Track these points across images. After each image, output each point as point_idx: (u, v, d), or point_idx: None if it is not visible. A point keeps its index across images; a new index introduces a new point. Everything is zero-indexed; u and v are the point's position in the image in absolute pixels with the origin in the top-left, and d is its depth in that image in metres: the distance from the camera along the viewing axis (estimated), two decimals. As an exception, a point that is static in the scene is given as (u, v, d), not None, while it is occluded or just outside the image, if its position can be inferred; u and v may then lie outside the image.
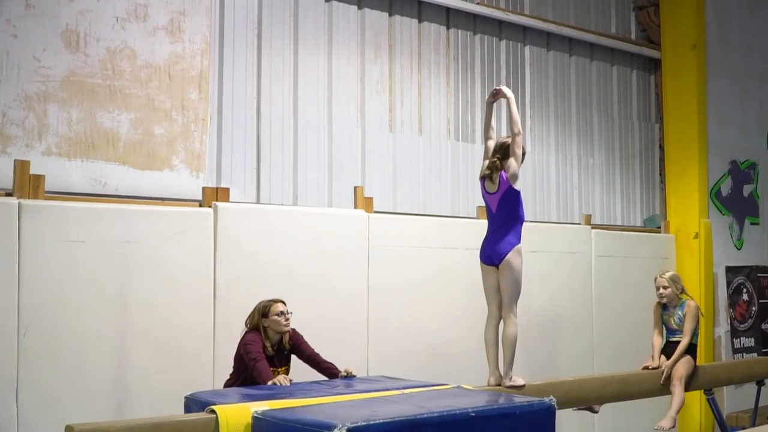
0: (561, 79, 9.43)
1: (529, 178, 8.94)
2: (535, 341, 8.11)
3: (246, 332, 5.57)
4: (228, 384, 5.59)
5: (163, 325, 5.96)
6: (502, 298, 5.77)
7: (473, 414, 4.34)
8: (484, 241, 5.85)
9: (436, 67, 8.34)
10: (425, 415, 4.21)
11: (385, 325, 7.05)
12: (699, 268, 9.71)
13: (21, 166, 5.59)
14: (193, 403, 4.85)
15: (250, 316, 5.62)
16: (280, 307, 5.58)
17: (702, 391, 7.61)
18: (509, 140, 5.80)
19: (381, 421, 4.02)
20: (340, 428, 3.82)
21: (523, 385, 5.75)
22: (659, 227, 10.00)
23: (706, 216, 9.98)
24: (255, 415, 4.30)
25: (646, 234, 9.82)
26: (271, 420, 4.22)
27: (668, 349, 7.03)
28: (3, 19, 5.78)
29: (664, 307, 7.11)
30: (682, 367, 6.92)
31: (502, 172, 5.71)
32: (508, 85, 8.82)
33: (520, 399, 4.78)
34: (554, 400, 4.71)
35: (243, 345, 5.48)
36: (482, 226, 7.92)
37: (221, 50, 6.94)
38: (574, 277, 8.67)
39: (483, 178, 5.86)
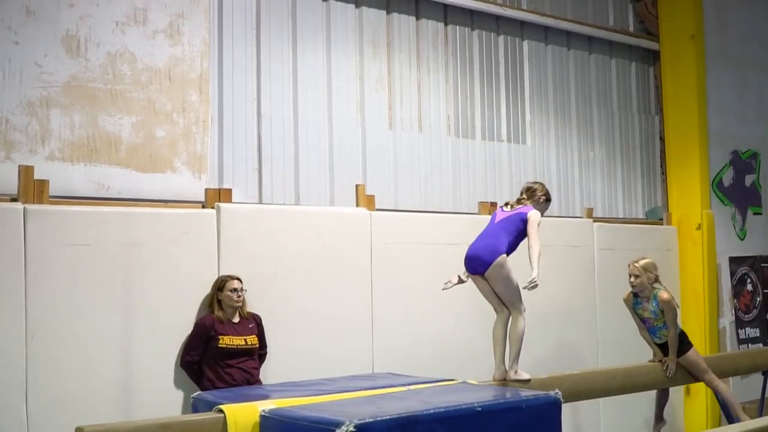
0: (560, 73, 9.44)
1: (530, 173, 8.95)
2: (539, 335, 8.11)
3: (202, 317, 6.04)
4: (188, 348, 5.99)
5: (169, 326, 5.99)
6: (503, 301, 5.78)
7: (479, 408, 4.37)
8: (468, 249, 5.80)
9: (435, 63, 8.36)
10: (432, 411, 4.24)
11: (389, 323, 7.08)
12: (702, 260, 9.70)
13: (25, 172, 5.62)
14: (201, 403, 4.89)
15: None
16: (234, 284, 6.05)
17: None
18: (535, 186, 6.00)
19: (388, 417, 4.06)
20: (347, 425, 3.85)
21: (529, 380, 5.76)
22: (661, 219, 10.01)
23: (709, 207, 9.97)
24: (263, 413, 4.34)
25: (648, 226, 9.83)
26: (279, 418, 4.26)
27: (663, 351, 7.02)
28: (4, 26, 5.81)
29: (635, 298, 6.96)
30: (701, 366, 6.94)
31: (527, 208, 5.81)
32: (506, 80, 8.89)
33: (525, 393, 4.81)
34: (560, 393, 4.75)
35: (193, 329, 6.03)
36: (484, 221, 7.97)
37: (220, 52, 6.96)
38: (577, 270, 8.68)
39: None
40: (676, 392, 8.97)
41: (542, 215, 5.87)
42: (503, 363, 5.81)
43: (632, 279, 6.83)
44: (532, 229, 5.68)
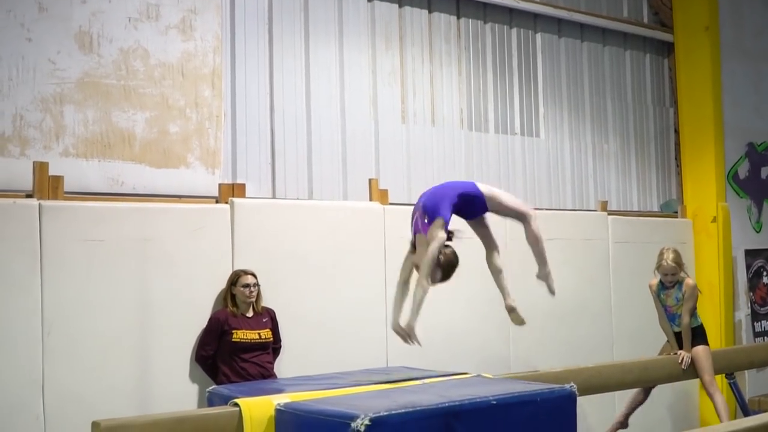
0: (573, 65, 9.40)
1: (543, 166, 8.94)
2: (554, 329, 8.11)
3: (216, 312, 6.07)
4: (202, 343, 6.01)
5: (183, 320, 6.01)
6: (515, 214, 5.62)
7: (494, 402, 4.36)
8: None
9: (448, 57, 8.34)
10: (446, 404, 4.24)
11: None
12: (717, 252, 9.66)
13: (40, 168, 5.64)
14: (216, 397, 4.90)
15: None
16: (247, 279, 6.05)
17: (723, 375, 7.61)
18: None
19: (403, 410, 4.05)
20: (362, 418, 3.85)
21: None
22: (676, 212, 9.96)
23: (724, 199, 9.93)
24: (278, 407, 4.34)
25: (663, 219, 9.79)
26: (294, 412, 4.26)
27: (678, 340, 7.00)
28: (17, 23, 5.82)
29: (661, 286, 7.04)
30: (705, 364, 6.89)
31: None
32: (520, 73, 8.86)
33: (541, 386, 4.79)
34: (575, 386, 4.73)
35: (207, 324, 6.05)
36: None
37: (233, 47, 6.96)
38: (591, 264, 8.66)
39: None
40: (692, 385, 8.94)
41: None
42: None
43: (669, 277, 6.91)
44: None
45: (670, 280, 6.93)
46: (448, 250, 5.22)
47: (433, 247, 5.07)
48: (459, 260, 5.27)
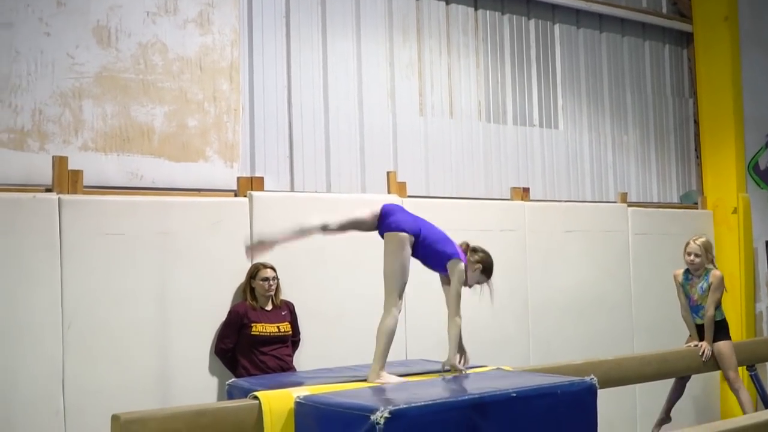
0: (592, 56, 9.35)
1: (562, 158, 8.91)
2: (574, 321, 8.09)
3: (235, 305, 6.09)
4: (221, 336, 6.03)
5: (203, 314, 6.02)
6: (384, 282, 4.90)
7: (514, 395, 4.35)
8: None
9: (465, 48, 8.31)
10: (466, 397, 4.23)
11: (422, 310, 7.05)
12: (738, 244, 9.61)
13: (59, 162, 5.65)
14: (236, 390, 4.91)
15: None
16: (266, 273, 6.07)
17: (744, 367, 7.56)
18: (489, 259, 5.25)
19: (422, 403, 4.04)
20: (382, 411, 3.84)
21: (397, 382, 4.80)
22: (696, 203, 9.91)
23: (744, 190, 9.87)
24: (297, 400, 4.34)
25: (683, 210, 9.73)
26: (314, 404, 4.26)
27: (700, 333, 6.95)
28: (35, 18, 5.84)
29: (686, 276, 7.00)
30: (729, 361, 6.84)
31: (459, 254, 5.06)
32: (538, 65, 8.82)
33: (561, 379, 4.77)
34: (595, 379, 4.70)
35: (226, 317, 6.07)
36: (517, 207, 7.94)
37: (250, 40, 6.96)
38: (611, 256, 8.62)
39: None
40: (712, 378, 8.89)
41: (469, 284, 5.17)
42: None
43: (692, 257, 6.82)
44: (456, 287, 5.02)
45: (693, 262, 6.82)
46: (480, 255, 5.19)
47: (460, 287, 5.03)
48: (492, 258, 5.26)
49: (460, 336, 5.12)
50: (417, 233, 4.93)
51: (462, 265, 5.04)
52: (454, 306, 5.04)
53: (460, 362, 5.14)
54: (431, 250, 5.01)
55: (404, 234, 4.88)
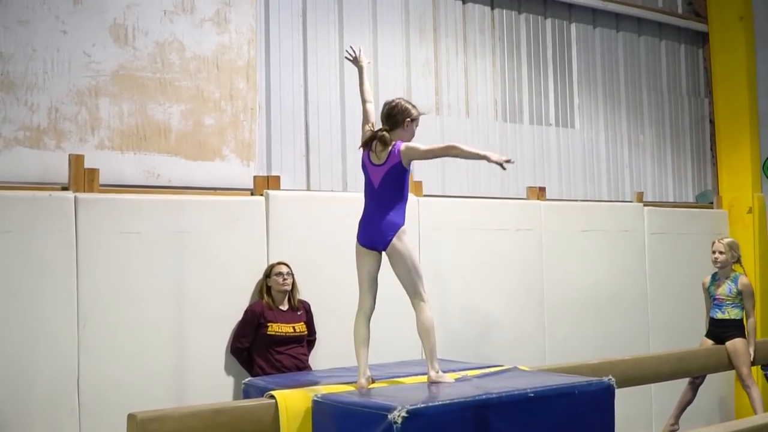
0: (608, 55, 9.32)
1: (578, 157, 8.89)
2: (590, 320, 8.07)
3: (251, 304, 6.09)
4: (238, 335, 6.02)
5: (218, 312, 6.02)
6: (404, 287, 4.92)
7: (532, 395, 4.34)
8: (361, 220, 4.99)
9: (482, 48, 8.29)
10: (484, 397, 4.22)
11: (438, 308, 7.00)
12: (753, 243, 9.57)
13: (75, 161, 5.66)
14: (252, 389, 4.92)
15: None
16: (280, 268, 6.10)
17: (759, 367, 7.55)
18: (397, 103, 5.01)
19: (440, 402, 4.05)
20: (399, 410, 3.84)
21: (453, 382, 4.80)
22: (712, 203, 9.87)
23: (760, 190, 9.83)
24: (315, 399, 4.35)
25: (699, 210, 9.69)
26: (331, 403, 4.26)
27: (715, 327, 6.97)
28: (52, 16, 5.85)
29: (712, 278, 7.01)
30: (743, 358, 6.88)
31: (396, 146, 4.88)
32: (554, 64, 8.80)
33: (578, 379, 4.76)
34: (613, 379, 4.70)
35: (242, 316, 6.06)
36: (533, 206, 7.92)
37: (267, 39, 6.96)
38: (627, 255, 8.59)
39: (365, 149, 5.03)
40: (728, 378, 8.84)
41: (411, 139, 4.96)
42: (367, 368, 4.81)
43: (717, 255, 7.00)
44: (421, 154, 4.87)
45: (717, 260, 6.97)
46: (398, 117, 5.03)
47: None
48: (396, 100, 5.11)
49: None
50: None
51: (404, 146, 4.88)
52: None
53: None
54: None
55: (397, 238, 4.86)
